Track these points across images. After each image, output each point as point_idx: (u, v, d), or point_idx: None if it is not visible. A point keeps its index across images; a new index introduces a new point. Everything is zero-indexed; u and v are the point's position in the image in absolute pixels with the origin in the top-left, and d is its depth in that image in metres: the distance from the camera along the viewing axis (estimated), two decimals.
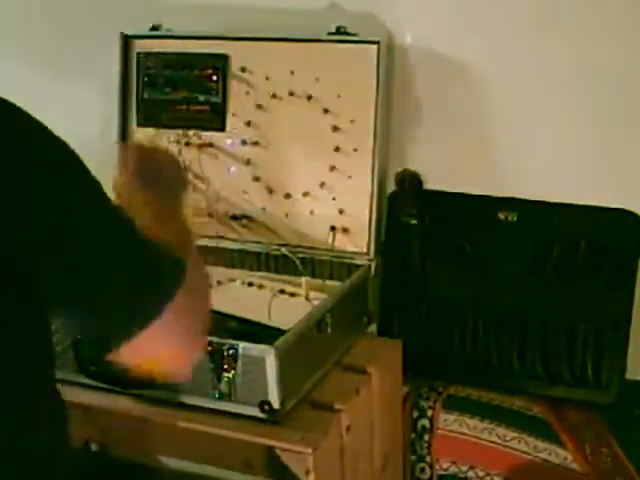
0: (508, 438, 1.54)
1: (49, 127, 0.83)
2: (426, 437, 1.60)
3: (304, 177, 1.67)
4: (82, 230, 0.83)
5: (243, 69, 1.69)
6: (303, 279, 1.60)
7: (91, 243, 0.84)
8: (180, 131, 1.73)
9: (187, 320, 0.92)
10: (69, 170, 0.84)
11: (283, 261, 1.67)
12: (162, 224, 1.02)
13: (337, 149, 1.63)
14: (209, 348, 1.26)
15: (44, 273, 0.82)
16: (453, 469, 1.58)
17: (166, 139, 1.74)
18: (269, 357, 1.24)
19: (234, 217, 1.73)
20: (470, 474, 1.57)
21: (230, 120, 1.71)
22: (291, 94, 1.66)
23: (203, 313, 0.98)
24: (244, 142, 1.70)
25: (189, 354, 0.96)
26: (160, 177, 1.13)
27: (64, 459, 0.96)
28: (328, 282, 1.61)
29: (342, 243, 1.65)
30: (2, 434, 0.85)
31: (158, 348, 0.91)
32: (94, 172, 0.85)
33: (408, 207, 1.67)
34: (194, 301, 0.94)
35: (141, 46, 1.75)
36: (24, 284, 0.81)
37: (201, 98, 1.72)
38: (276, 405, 1.26)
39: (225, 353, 1.26)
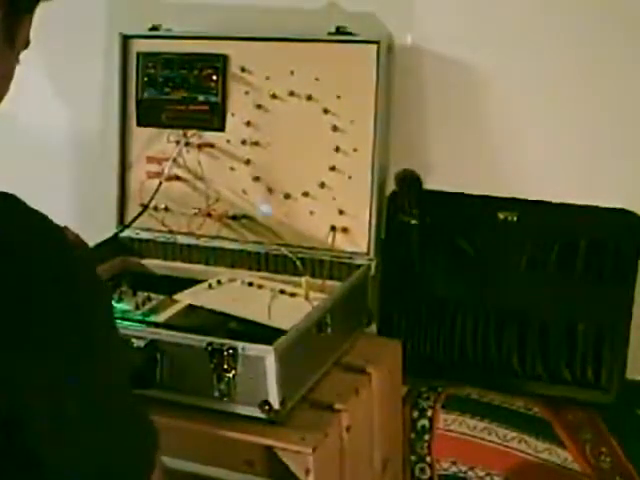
0: (508, 438, 1.54)
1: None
2: (426, 437, 1.60)
3: (304, 177, 1.67)
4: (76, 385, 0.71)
5: (243, 69, 1.69)
6: (303, 279, 1.59)
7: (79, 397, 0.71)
8: (180, 131, 1.73)
9: None
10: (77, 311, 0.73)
11: (283, 261, 1.67)
12: None
13: (337, 149, 1.63)
14: (209, 348, 1.26)
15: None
16: (453, 469, 1.58)
17: (166, 139, 1.75)
18: (269, 357, 1.24)
19: (234, 217, 1.73)
20: (470, 474, 1.56)
21: (230, 120, 1.72)
22: (291, 94, 1.66)
23: None
24: (244, 142, 1.71)
25: None
26: None
27: None
28: (328, 282, 1.61)
29: (342, 243, 1.65)
30: None
31: None
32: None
33: (408, 207, 1.67)
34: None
35: (141, 46, 1.75)
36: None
37: (201, 98, 1.72)
38: (276, 405, 1.26)
39: (225, 353, 1.26)
